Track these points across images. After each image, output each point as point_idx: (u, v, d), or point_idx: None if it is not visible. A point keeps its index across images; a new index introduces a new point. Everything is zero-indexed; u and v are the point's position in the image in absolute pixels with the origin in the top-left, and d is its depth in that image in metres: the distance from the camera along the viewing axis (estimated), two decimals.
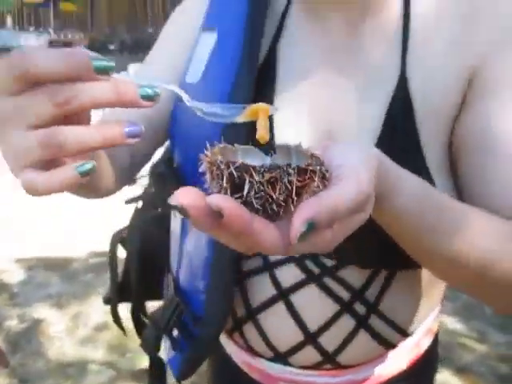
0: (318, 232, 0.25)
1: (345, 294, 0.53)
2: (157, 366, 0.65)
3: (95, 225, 3.68)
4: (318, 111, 0.51)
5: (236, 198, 0.26)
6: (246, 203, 0.26)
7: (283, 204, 0.26)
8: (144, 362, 2.09)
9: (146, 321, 0.69)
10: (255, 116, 0.32)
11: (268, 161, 0.30)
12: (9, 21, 13.64)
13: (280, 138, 0.51)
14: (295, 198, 0.26)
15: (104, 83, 0.29)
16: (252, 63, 0.51)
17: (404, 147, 0.48)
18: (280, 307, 0.54)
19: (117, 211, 4.00)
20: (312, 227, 0.24)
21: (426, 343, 0.64)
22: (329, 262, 0.52)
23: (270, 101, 0.52)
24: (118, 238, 0.68)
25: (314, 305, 0.53)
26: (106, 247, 3.10)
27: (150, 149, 0.62)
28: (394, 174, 0.36)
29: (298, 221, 0.24)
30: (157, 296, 0.73)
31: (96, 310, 2.46)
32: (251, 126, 0.33)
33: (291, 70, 0.53)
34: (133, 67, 8.15)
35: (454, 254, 0.41)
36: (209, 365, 0.72)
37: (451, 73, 0.49)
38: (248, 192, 0.26)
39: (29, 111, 0.27)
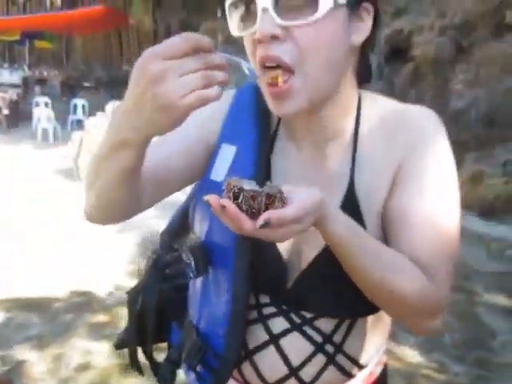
0: (272, 228, 0.50)
1: (319, 338, 0.71)
2: None
3: (75, 263, 3.74)
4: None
5: (235, 203, 0.50)
6: (240, 207, 0.50)
7: (257, 211, 0.50)
8: None
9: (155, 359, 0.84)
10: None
11: (250, 184, 0.53)
12: None
13: None
14: (262, 209, 0.50)
15: (217, 56, 0.50)
16: (262, 168, 0.72)
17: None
18: (271, 349, 0.72)
19: (96, 250, 4.06)
20: (267, 224, 0.49)
21: (377, 371, 0.82)
22: (308, 315, 0.71)
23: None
24: (134, 295, 0.82)
25: (296, 346, 0.71)
26: (86, 286, 3.27)
27: (160, 193, 0.74)
28: (333, 209, 0.58)
29: (261, 218, 0.49)
30: (163, 339, 0.88)
31: (77, 350, 2.53)
32: None
33: (281, 175, 0.73)
34: (111, 105, 8.33)
35: (366, 269, 0.61)
36: None
37: (384, 185, 0.69)
38: (240, 201, 0.50)
39: (186, 66, 0.48)
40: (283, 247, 0.70)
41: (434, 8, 7.16)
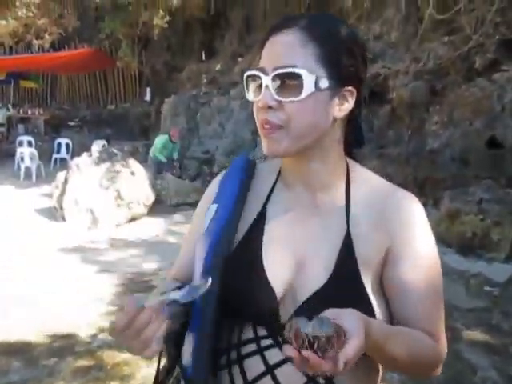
0: (347, 366, 0.62)
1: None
2: None
3: (55, 305, 3.70)
4: (294, 247, 0.82)
5: (311, 349, 0.60)
6: (317, 351, 0.60)
7: (328, 353, 0.61)
8: None
9: None
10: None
11: (311, 325, 0.63)
12: None
13: (274, 262, 0.81)
14: (335, 347, 0.61)
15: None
16: (234, 224, 0.84)
17: (350, 280, 0.79)
18: (267, 379, 0.79)
19: (77, 290, 4.03)
20: (345, 365, 0.61)
21: None
22: None
23: (259, 239, 0.83)
24: None
25: (290, 377, 0.78)
26: (68, 329, 3.27)
27: None
28: (371, 323, 0.70)
29: (341, 361, 0.61)
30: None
31: None
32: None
33: (276, 221, 0.85)
34: (96, 144, 8.42)
35: (399, 354, 0.76)
36: None
37: (376, 244, 0.81)
38: (316, 349, 0.60)
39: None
40: (279, 285, 0.79)
41: (409, 54, 7.57)
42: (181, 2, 9.00)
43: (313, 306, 0.75)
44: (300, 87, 0.75)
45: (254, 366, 0.80)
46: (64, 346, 3.06)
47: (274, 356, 0.79)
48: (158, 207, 7.36)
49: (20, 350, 2.98)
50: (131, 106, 14.10)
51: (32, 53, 12.96)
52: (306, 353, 0.60)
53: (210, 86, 10.68)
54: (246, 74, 0.81)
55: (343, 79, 0.78)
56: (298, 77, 0.75)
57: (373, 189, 0.86)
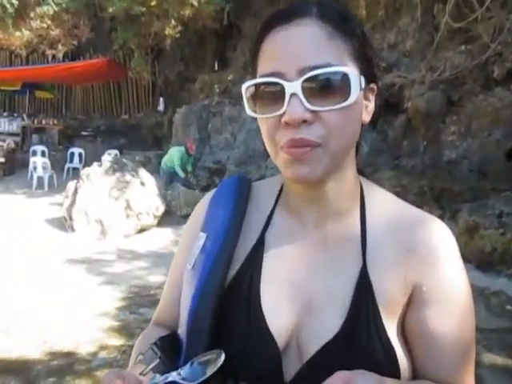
0: None
1: None
2: None
3: (57, 320, 3.60)
4: (299, 286, 0.67)
5: None
6: None
7: None
8: None
9: None
10: None
11: None
12: None
13: (272, 305, 0.65)
14: None
15: None
16: (227, 257, 0.69)
17: (370, 325, 0.64)
18: None
19: (83, 305, 3.92)
20: None
21: None
22: None
23: (257, 276, 0.68)
24: None
25: None
26: (68, 347, 3.11)
27: None
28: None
29: None
30: None
31: None
32: None
33: (276, 251, 0.69)
34: (108, 154, 8.39)
35: None
36: None
37: (399, 280, 0.66)
38: None
39: None
40: (282, 334, 0.64)
41: (425, 63, 7.41)
42: (193, 13, 8.99)
43: (324, 362, 0.61)
44: (346, 89, 0.60)
45: None
46: (63, 364, 2.94)
47: None
48: (168, 218, 7.27)
49: (19, 369, 2.87)
50: (144, 116, 14.17)
51: (47, 63, 13.14)
52: None
53: (222, 96, 10.64)
54: (247, 85, 0.64)
55: (369, 75, 0.64)
56: (342, 77, 0.60)
57: (393, 214, 0.70)
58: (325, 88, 0.59)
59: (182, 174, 8.28)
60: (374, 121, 0.69)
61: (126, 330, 3.50)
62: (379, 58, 8.04)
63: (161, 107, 13.88)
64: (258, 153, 9.04)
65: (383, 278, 0.66)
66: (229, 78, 10.84)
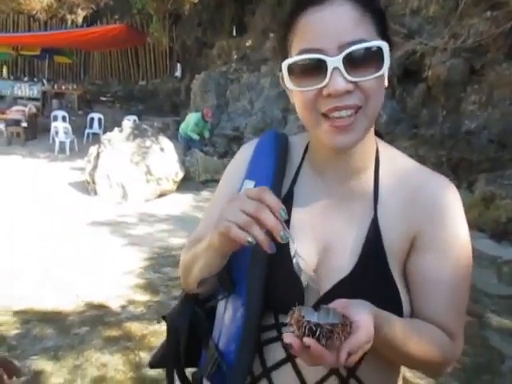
0: (351, 357, 0.59)
1: None
2: None
3: (86, 277, 3.83)
4: (321, 233, 0.78)
5: (313, 337, 0.57)
6: (319, 340, 0.57)
7: (331, 342, 0.58)
8: None
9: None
10: None
11: (316, 315, 0.62)
12: (4, 71, 14.07)
13: (300, 249, 0.74)
14: (339, 337, 0.58)
15: (275, 219, 0.62)
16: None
17: (377, 267, 0.76)
18: (288, 367, 0.77)
19: (107, 264, 4.14)
20: (349, 354, 0.58)
21: None
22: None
23: (287, 223, 0.76)
24: (170, 319, 0.89)
25: (311, 367, 0.74)
26: (99, 300, 3.36)
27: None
28: (384, 316, 0.67)
29: (344, 352, 0.58)
30: (194, 365, 0.92)
31: (92, 363, 2.60)
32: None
33: (303, 205, 0.80)
34: (127, 120, 8.51)
35: (412, 351, 0.72)
36: None
37: (404, 230, 0.77)
38: (318, 335, 0.57)
39: (246, 207, 0.64)
40: (305, 278, 0.74)
41: (448, 30, 7.24)
42: None
43: (338, 295, 0.71)
44: (380, 60, 0.68)
45: (274, 352, 0.77)
46: (95, 316, 3.16)
47: None
48: (187, 184, 7.44)
49: (54, 319, 3.10)
50: (161, 82, 14.16)
51: (65, 28, 13.13)
52: (308, 340, 0.56)
53: (240, 63, 10.57)
54: (290, 62, 0.69)
55: (389, 46, 0.71)
56: (377, 50, 0.67)
57: (403, 172, 0.80)
58: (362, 60, 0.67)
59: (196, 137, 8.41)
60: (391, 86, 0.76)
61: (150, 287, 3.71)
62: (401, 23, 7.86)
63: (178, 73, 13.85)
64: (276, 120, 9.06)
65: (391, 227, 0.77)
66: (247, 44, 10.73)
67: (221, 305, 0.84)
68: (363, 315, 0.62)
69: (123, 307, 3.32)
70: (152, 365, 0.93)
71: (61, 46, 12.74)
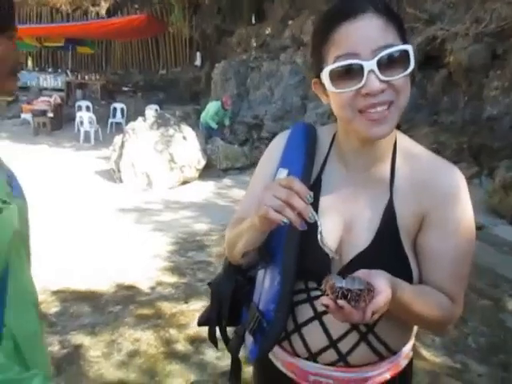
0: (374, 315, 0.73)
1: None
2: (236, 362, 1.04)
3: (116, 260, 4.04)
4: (344, 213, 0.92)
5: (346, 300, 0.71)
6: (349, 302, 0.71)
7: (358, 303, 0.72)
8: (172, 382, 2.41)
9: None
10: None
11: (343, 282, 0.75)
12: (29, 62, 14.42)
13: (325, 226, 0.86)
14: (365, 300, 0.72)
15: (303, 203, 0.75)
16: (306, 184, 0.89)
17: (391, 242, 0.89)
18: (315, 323, 0.91)
19: (137, 249, 4.34)
20: (373, 313, 0.73)
21: (404, 364, 1.00)
22: None
23: (315, 206, 0.90)
24: (215, 285, 1.05)
25: (336, 323, 0.87)
26: (129, 281, 3.57)
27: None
28: (398, 283, 0.80)
29: (369, 312, 0.73)
30: (235, 324, 1.08)
31: (126, 338, 2.79)
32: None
33: (330, 189, 0.94)
34: (149, 109, 8.72)
35: (420, 311, 0.87)
36: (254, 370, 1.09)
37: (414, 210, 0.90)
38: (349, 299, 0.71)
39: (278, 195, 0.76)
40: (330, 246, 0.88)
41: (469, 14, 7.16)
42: None
43: (357, 264, 0.84)
44: (407, 61, 0.79)
45: (304, 312, 0.93)
46: (127, 295, 3.36)
47: (321, 306, 0.90)
48: (209, 171, 7.61)
49: (89, 298, 3.31)
50: (182, 71, 14.30)
51: (87, 20, 13.35)
52: (341, 302, 0.71)
53: (259, 51, 10.61)
54: (331, 68, 0.80)
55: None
56: (405, 53, 0.79)
57: (417, 159, 0.92)
58: (393, 62, 0.78)
59: (214, 126, 8.56)
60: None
61: (177, 270, 3.90)
62: (421, 9, 7.79)
63: (198, 62, 13.95)
64: (296, 108, 9.12)
65: (404, 208, 0.90)
66: (266, 32, 10.75)
67: (260, 274, 0.99)
68: (382, 282, 0.76)
69: (152, 288, 3.51)
70: (199, 323, 1.10)
71: (83, 36, 12.98)
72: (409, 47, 0.80)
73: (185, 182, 7.13)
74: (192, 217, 5.57)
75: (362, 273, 0.77)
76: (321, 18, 0.86)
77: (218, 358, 2.64)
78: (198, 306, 3.22)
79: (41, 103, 11.12)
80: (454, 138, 7.18)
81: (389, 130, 0.83)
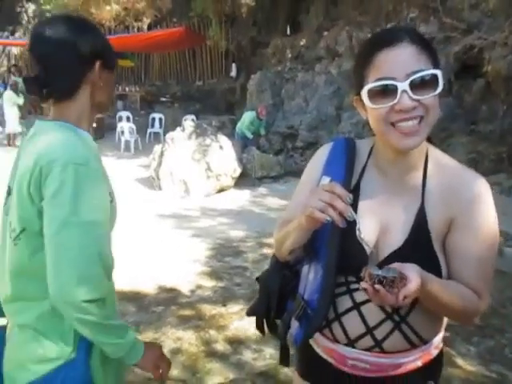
0: (406, 300, 0.86)
1: (388, 309, 1.01)
2: (285, 347, 1.17)
3: (159, 264, 4.23)
4: (380, 216, 1.04)
5: (381, 285, 0.84)
6: (384, 287, 0.84)
7: (393, 289, 0.85)
8: (212, 379, 2.54)
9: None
10: None
11: (380, 271, 0.86)
12: None
13: (363, 226, 0.97)
14: (398, 286, 0.85)
15: (344, 204, 0.89)
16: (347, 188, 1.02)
17: (423, 242, 1.00)
18: (354, 313, 1.03)
19: (177, 253, 4.51)
20: (405, 297, 0.85)
21: (434, 353, 1.10)
22: None
23: (355, 209, 1.02)
24: (264, 279, 1.19)
25: (372, 313, 1.00)
26: (170, 284, 3.77)
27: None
28: (427, 275, 0.90)
29: (401, 296, 0.85)
30: (280, 317, 1.20)
31: (169, 337, 2.95)
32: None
33: (368, 194, 1.06)
34: (187, 119, 9.00)
35: (447, 302, 0.96)
36: (298, 353, 1.21)
37: (444, 215, 1.01)
38: (384, 284, 0.84)
39: (323, 197, 0.91)
40: (368, 249, 1.00)
41: (508, 23, 7.06)
42: None
43: (392, 261, 0.94)
44: (436, 84, 0.92)
45: (344, 303, 1.04)
46: (168, 297, 3.53)
47: (360, 296, 1.02)
48: (244, 180, 7.78)
49: (133, 298, 3.50)
50: (217, 82, 14.63)
51: (128, 33, 13.87)
52: (378, 286, 0.83)
53: (294, 62, 10.77)
54: (370, 87, 0.93)
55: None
56: (434, 76, 0.91)
57: (446, 169, 1.04)
58: (424, 84, 0.91)
59: (249, 136, 8.72)
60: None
61: (215, 274, 4.05)
62: (459, 18, 7.74)
63: (233, 73, 14.24)
64: (330, 118, 9.19)
65: (434, 212, 1.01)
66: (301, 43, 10.90)
67: (305, 268, 1.12)
68: (414, 273, 0.87)
69: (192, 291, 3.67)
70: (248, 314, 1.23)
71: (124, 49, 13.48)
72: (438, 72, 0.92)
73: (221, 190, 7.32)
74: (228, 224, 5.73)
75: (396, 265, 0.89)
76: (364, 43, 1.00)
77: (254, 358, 2.76)
78: (236, 308, 3.35)
79: None
80: (493, 148, 7.07)
81: (418, 142, 0.94)
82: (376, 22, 8.97)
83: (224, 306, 3.42)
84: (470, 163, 7.03)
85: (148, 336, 2.95)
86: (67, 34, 1.10)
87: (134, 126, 10.80)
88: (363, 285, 0.86)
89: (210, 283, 3.84)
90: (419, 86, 0.90)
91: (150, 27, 13.37)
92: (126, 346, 1.12)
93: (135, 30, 12.65)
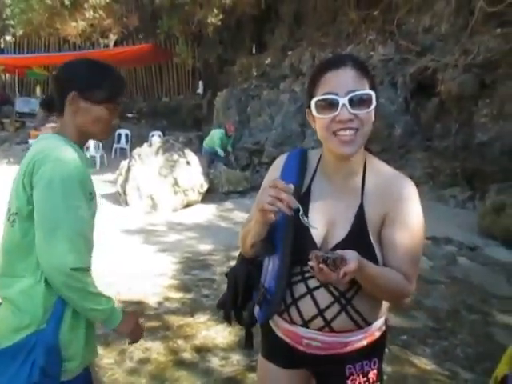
0: (346, 276, 1.04)
1: (336, 293, 1.18)
2: (249, 332, 1.33)
3: (125, 277, 4.25)
4: (328, 213, 1.22)
5: (325, 265, 1.03)
6: (327, 266, 1.03)
7: (335, 267, 1.03)
8: None
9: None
10: None
11: (325, 254, 1.05)
12: (38, 90, 14.90)
13: (314, 223, 1.16)
14: (339, 266, 1.04)
15: (286, 195, 1.09)
16: (299, 191, 1.21)
17: (362, 235, 1.17)
18: (308, 297, 1.19)
19: (144, 268, 4.52)
20: (345, 274, 1.04)
21: (377, 334, 1.28)
22: None
23: (307, 208, 1.20)
24: (231, 273, 1.33)
25: (322, 297, 1.17)
26: (137, 297, 3.84)
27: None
28: (365, 261, 1.09)
29: (341, 273, 1.03)
30: (245, 307, 1.35)
31: (137, 347, 2.99)
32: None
33: (317, 196, 1.24)
34: (155, 135, 9.06)
35: (382, 285, 1.13)
36: (262, 337, 1.36)
37: (379, 212, 1.20)
38: (328, 263, 1.02)
39: (270, 193, 1.10)
40: (318, 239, 1.18)
41: (459, 47, 7.57)
42: (233, 1, 9.41)
43: (339, 249, 1.11)
44: (370, 102, 1.13)
45: (300, 289, 1.21)
46: (136, 310, 3.56)
47: (313, 283, 1.19)
48: (211, 195, 7.88)
49: None
50: (184, 98, 14.76)
51: (93, 49, 13.85)
52: (322, 265, 1.00)
53: (260, 80, 11.05)
54: (316, 99, 1.14)
55: (376, 94, 1.16)
56: (369, 96, 1.12)
57: (381, 174, 1.23)
58: (361, 101, 1.11)
59: (222, 154, 8.90)
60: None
61: (183, 286, 4.11)
62: (414, 41, 8.22)
63: (200, 90, 14.42)
64: (295, 134, 9.46)
65: (371, 209, 1.20)
66: (266, 62, 11.21)
67: (266, 260, 1.29)
68: (353, 256, 1.05)
69: (160, 303, 3.71)
70: (217, 306, 1.37)
71: None
72: (373, 93, 1.14)
73: (188, 205, 7.39)
74: (195, 238, 5.80)
75: (339, 251, 1.06)
76: (316, 66, 1.21)
77: (222, 365, 2.84)
78: (204, 319, 3.43)
79: (47, 129, 11.46)
80: (447, 163, 7.49)
81: (354, 150, 1.14)
82: (337, 43, 9.39)
83: (192, 316, 3.48)
84: (426, 177, 7.41)
85: (116, 347, 2.98)
86: (64, 67, 1.42)
87: (99, 142, 10.72)
88: (310, 263, 1.01)
89: (177, 295, 3.89)
90: (357, 102, 1.11)
91: (116, 44, 13.39)
92: (106, 311, 1.32)
93: (101, 46, 12.63)
